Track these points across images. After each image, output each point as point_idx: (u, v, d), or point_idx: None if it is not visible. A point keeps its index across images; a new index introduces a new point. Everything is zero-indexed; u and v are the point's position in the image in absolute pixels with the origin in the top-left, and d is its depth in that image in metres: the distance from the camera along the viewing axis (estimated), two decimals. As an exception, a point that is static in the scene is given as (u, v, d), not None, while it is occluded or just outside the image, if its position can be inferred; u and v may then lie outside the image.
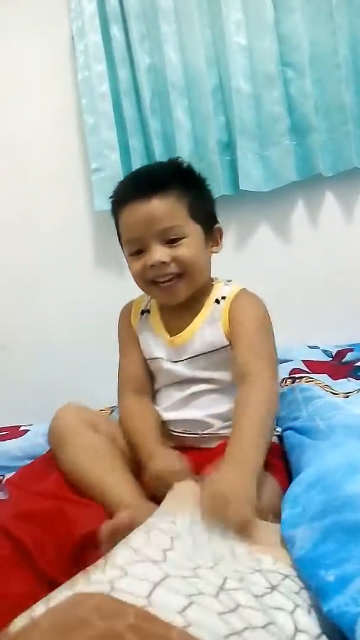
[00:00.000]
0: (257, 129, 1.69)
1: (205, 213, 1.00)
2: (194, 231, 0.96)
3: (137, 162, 1.77)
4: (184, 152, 1.70)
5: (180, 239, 0.94)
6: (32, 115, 1.93)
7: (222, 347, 0.98)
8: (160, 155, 1.74)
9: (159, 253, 0.93)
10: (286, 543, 0.60)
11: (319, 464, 0.70)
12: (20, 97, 1.94)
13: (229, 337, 0.97)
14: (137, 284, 1.01)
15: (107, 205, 1.75)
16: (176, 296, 0.97)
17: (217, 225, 1.03)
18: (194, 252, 0.95)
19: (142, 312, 1.09)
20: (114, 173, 1.76)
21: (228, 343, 0.97)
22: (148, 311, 1.08)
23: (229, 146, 1.74)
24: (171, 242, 0.94)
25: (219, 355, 0.98)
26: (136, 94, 1.79)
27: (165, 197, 0.93)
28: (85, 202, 1.91)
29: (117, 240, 1.03)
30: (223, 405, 0.97)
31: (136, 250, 0.96)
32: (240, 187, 1.69)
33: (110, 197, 1.04)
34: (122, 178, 1.72)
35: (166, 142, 1.77)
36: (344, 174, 1.68)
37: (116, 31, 1.77)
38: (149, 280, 0.96)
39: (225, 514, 0.63)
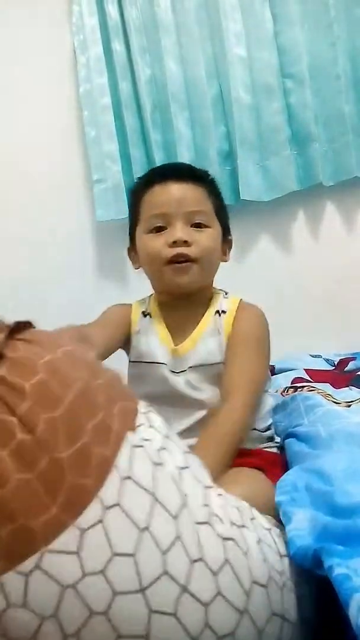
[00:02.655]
0: (257, 139, 1.70)
1: (224, 220, 1.04)
2: (216, 227, 1.00)
3: (139, 173, 1.76)
4: (185, 162, 1.70)
5: (205, 226, 0.97)
6: (34, 128, 1.94)
7: (217, 363, 0.96)
8: (161, 165, 1.76)
9: (184, 231, 0.94)
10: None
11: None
12: (22, 109, 1.95)
13: (226, 352, 0.96)
14: (149, 265, 0.99)
15: (109, 216, 1.79)
16: (189, 278, 0.95)
17: (230, 237, 1.06)
18: (213, 244, 0.98)
19: (144, 313, 1.06)
20: (115, 184, 1.77)
21: (223, 360, 0.95)
22: (149, 314, 1.05)
23: (229, 156, 1.76)
24: (196, 226, 0.96)
25: (212, 370, 0.96)
26: (137, 105, 1.80)
27: (199, 186, 0.99)
28: (87, 213, 1.91)
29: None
30: None
31: (158, 226, 0.96)
32: (241, 197, 1.70)
33: (139, 178, 1.09)
34: (123, 189, 1.78)
35: (167, 153, 1.78)
36: (344, 183, 1.69)
37: (117, 44, 1.79)
38: (164, 259, 0.95)
39: None
